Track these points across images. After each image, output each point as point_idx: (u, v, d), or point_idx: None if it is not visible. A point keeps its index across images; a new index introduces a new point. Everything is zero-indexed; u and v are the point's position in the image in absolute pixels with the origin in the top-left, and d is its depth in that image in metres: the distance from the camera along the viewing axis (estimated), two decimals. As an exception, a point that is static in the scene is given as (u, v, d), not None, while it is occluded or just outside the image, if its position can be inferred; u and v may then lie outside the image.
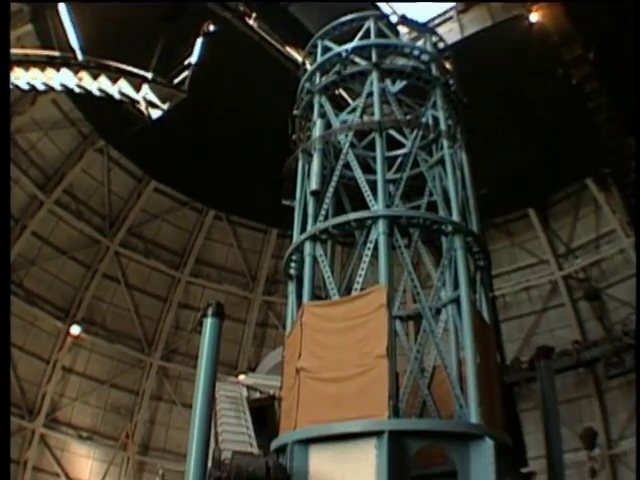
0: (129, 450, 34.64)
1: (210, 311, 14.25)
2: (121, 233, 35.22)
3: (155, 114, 27.62)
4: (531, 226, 35.15)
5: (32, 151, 32.03)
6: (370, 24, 19.49)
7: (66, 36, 27.05)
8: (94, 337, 34.75)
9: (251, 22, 27.62)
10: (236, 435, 14.96)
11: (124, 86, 27.12)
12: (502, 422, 15.39)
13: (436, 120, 18.34)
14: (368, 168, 17.66)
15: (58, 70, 26.96)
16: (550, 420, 18.03)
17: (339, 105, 20.56)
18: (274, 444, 14.62)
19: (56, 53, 27.11)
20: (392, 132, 18.92)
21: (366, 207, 16.10)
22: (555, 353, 25.19)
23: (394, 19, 21.06)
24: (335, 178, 17.02)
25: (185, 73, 27.44)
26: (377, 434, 12.97)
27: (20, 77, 26.39)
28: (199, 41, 27.62)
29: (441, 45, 20.26)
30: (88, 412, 34.76)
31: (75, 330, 33.77)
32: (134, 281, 36.24)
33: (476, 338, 14.86)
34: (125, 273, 35.81)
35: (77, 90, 27.35)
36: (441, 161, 17.77)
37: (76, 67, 27.10)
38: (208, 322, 14.22)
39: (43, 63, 26.87)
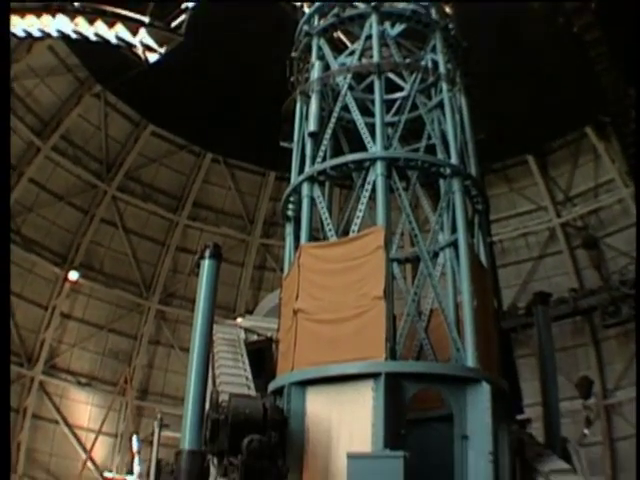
0: (127, 395, 34.71)
1: (207, 253, 14.23)
2: (118, 177, 34.96)
3: (152, 58, 27.36)
4: (530, 173, 34.84)
5: (28, 98, 31.74)
6: (370, -34, 19.23)
7: (62, -18, 26.81)
8: (92, 282, 34.66)
9: (249, -36, 27.35)
10: (234, 377, 15.02)
11: (121, 31, 26.83)
12: (499, 367, 15.46)
13: (435, 64, 18.21)
14: (367, 111, 17.57)
15: (54, 16, 26.72)
16: (547, 366, 18.08)
17: (337, 48, 20.31)
18: (271, 386, 14.70)
19: (52, -1, 26.90)
20: (391, 75, 18.78)
21: (364, 150, 16.05)
22: (552, 300, 25.09)
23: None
24: (333, 120, 16.97)
25: (182, 16, 27.14)
26: (374, 376, 13.08)
27: (16, 24, 26.21)
28: (197, -16, 27.33)
29: (441, -11, 20.02)
30: (87, 358, 34.82)
31: (73, 276, 33.63)
32: (132, 225, 36.06)
33: (473, 281, 14.91)
34: (123, 217, 35.60)
35: (73, 36, 27.14)
36: (440, 104, 17.71)
37: (72, 13, 26.84)
38: (205, 264, 14.21)
39: (39, 10, 26.65)
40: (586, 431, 29.86)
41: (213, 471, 13.24)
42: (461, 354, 14.50)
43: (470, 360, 14.06)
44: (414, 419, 14.34)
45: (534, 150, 34.43)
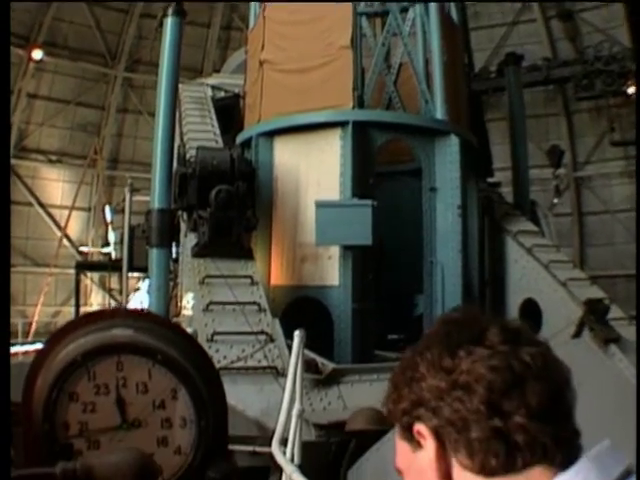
0: (98, 166, 34.93)
1: (170, 10, 13.87)
2: (81, -49, 33.50)
3: None
4: None
5: None
6: None
7: None
8: (57, 59, 33.87)
9: None
10: (201, 134, 14.84)
11: None
12: (468, 124, 15.43)
13: None
14: None
15: None
16: (517, 129, 18.18)
17: None
18: (239, 139, 14.62)
19: None
20: None
21: None
22: (524, 67, 24.83)
23: None
24: None
25: None
26: (342, 124, 12.97)
27: None
28: None
29: None
30: (56, 135, 34.67)
31: (37, 55, 32.81)
32: (95, -5, 34.86)
33: (443, 37, 14.62)
34: (85, -12, 34.42)
35: None
36: None
37: None
38: (168, 21, 13.86)
39: None
40: (555, 200, 30.38)
41: (183, 227, 13.31)
42: (430, 106, 14.37)
43: (439, 112, 13.94)
44: (385, 172, 14.44)
45: None
